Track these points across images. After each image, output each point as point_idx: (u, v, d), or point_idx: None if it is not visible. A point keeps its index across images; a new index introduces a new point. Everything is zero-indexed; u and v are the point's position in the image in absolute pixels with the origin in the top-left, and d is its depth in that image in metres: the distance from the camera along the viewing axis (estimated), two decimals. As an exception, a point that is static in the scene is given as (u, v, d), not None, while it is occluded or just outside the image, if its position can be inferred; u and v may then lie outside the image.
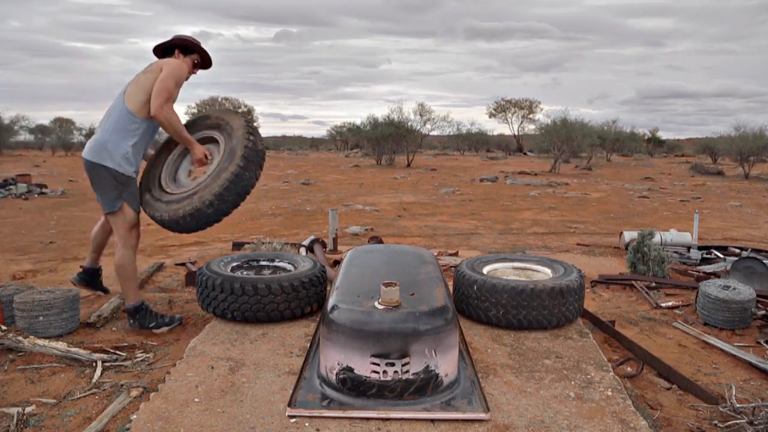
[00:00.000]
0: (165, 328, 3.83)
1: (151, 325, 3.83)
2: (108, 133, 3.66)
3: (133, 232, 3.81)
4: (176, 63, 3.76)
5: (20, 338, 3.38)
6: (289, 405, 2.43)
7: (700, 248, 6.65)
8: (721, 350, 3.66)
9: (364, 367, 2.44)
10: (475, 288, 3.45)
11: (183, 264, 5.89)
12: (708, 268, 5.85)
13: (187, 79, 3.94)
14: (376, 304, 2.59)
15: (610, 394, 2.61)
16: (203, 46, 4.00)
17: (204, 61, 4.06)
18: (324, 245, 6.28)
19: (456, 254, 6.52)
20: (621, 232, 7.22)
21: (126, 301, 3.87)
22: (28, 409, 2.70)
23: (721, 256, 6.31)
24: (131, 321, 3.86)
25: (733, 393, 2.91)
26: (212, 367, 2.85)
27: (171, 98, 3.68)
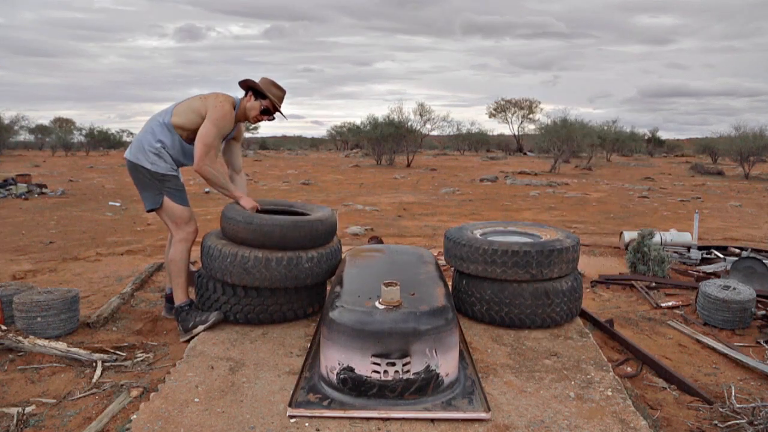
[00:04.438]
0: (201, 327, 3.46)
1: (190, 326, 3.49)
2: (143, 133, 3.61)
3: (184, 227, 3.64)
4: (223, 110, 3.52)
5: (20, 338, 3.38)
6: (290, 405, 2.43)
7: (700, 248, 6.65)
8: (718, 350, 3.66)
9: (365, 366, 2.44)
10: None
11: (183, 264, 5.88)
12: (708, 268, 5.85)
13: (253, 121, 3.76)
14: (376, 303, 2.59)
15: (610, 394, 2.61)
16: (273, 94, 3.70)
17: (272, 110, 3.79)
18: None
19: (456, 254, 6.51)
20: (621, 232, 7.22)
21: (175, 300, 3.68)
22: (28, 409, 2.70)
23: (721, 256, 6.31)
24: (177, 321, 3.63)
25: (733, 393, 2.91)
26: (212, 367, 2.86)
27: (210, 151, 3.48)
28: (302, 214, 3.82)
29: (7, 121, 35.78)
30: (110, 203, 11.79)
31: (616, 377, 2.82)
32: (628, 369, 3.34)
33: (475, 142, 48.81)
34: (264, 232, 3.31)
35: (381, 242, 6.43)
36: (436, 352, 2.48)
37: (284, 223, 3.35)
